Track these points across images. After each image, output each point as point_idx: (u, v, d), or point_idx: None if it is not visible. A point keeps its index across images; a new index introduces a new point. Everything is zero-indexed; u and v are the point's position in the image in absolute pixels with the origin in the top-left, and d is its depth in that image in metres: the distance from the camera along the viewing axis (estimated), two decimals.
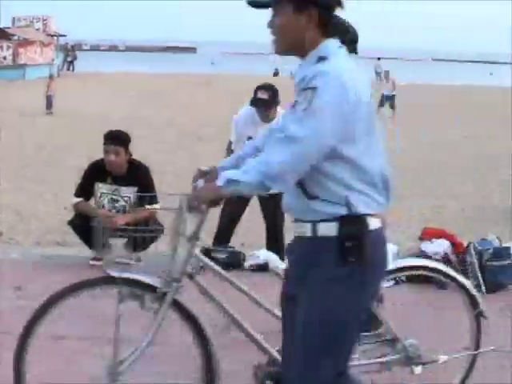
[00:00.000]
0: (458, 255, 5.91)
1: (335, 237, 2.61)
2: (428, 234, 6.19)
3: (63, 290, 3.14)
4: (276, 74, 45.79)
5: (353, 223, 2.61)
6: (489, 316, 3.65)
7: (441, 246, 5.92)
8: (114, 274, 3.10)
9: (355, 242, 2.60)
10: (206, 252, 5.58)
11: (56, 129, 18.11)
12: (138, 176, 6.08)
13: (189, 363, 3.34)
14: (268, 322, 3.24)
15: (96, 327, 4.21)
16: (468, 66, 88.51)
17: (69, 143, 15.28)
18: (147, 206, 5.91)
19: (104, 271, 3.18)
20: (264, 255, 5.90)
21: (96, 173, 6.13)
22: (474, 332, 3.63)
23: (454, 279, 3.66)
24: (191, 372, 3.31)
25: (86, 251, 6.14)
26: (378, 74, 37.01)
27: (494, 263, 5.68)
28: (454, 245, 6.00)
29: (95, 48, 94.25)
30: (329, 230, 2.63)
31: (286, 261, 2.96)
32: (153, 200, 5.90)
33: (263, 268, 5.85)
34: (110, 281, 3.11)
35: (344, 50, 2.71)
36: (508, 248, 5.88)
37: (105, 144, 6.04)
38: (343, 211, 2.61)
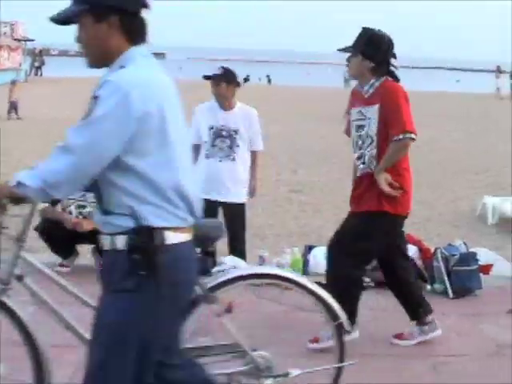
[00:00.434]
0: (425, 260, 5.95)
1: (125, 249, 2.55)
2: None
3: None
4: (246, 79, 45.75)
5: (141, 235, 2.53)
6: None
7: (408, 251, 5.94)
8: None
9: (144, 255, 2.52)
10: None
11: (23, 134, 17.92)
12: None
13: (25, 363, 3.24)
14: None
15: None
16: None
17: (36, 148, 15.11)
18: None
19: None
20: (230, 261, 5.87)
21: None
22: (337, 345, 3.53)
23: (311, 291, 3.46)
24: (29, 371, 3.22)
25: (52, 257, 6.06)
26: (346, 81, 37.08)
27: (461, 268, 5.70)
28: (421, 250, 6.04)
29: (63, 53, 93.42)
30: (121, 242, 2.55)
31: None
32: None
33: None
34: None
35: (151, 57, 2.63)
36: (474, 253, 5.92)
37: None
38: (132, 224, 2.53)
